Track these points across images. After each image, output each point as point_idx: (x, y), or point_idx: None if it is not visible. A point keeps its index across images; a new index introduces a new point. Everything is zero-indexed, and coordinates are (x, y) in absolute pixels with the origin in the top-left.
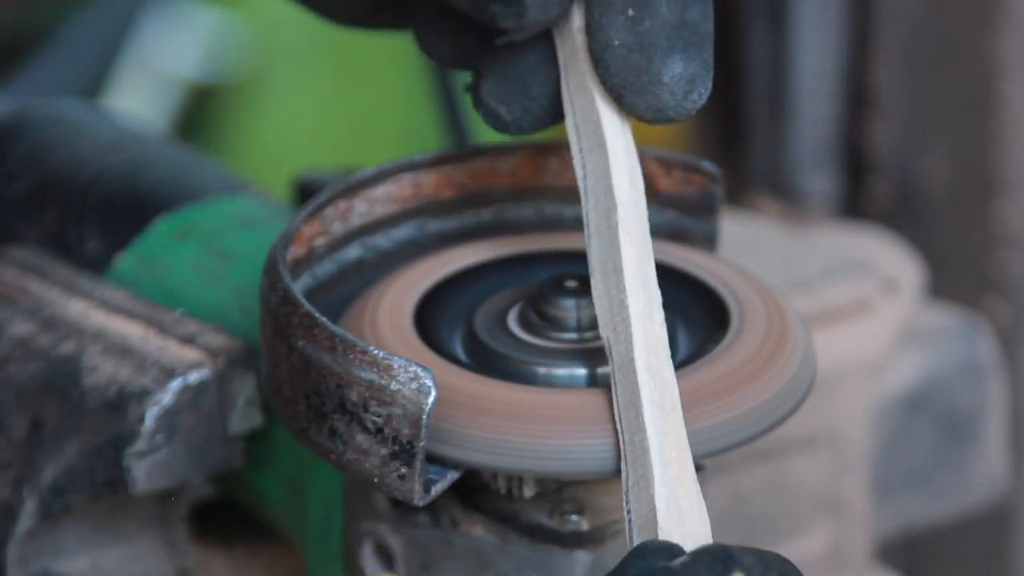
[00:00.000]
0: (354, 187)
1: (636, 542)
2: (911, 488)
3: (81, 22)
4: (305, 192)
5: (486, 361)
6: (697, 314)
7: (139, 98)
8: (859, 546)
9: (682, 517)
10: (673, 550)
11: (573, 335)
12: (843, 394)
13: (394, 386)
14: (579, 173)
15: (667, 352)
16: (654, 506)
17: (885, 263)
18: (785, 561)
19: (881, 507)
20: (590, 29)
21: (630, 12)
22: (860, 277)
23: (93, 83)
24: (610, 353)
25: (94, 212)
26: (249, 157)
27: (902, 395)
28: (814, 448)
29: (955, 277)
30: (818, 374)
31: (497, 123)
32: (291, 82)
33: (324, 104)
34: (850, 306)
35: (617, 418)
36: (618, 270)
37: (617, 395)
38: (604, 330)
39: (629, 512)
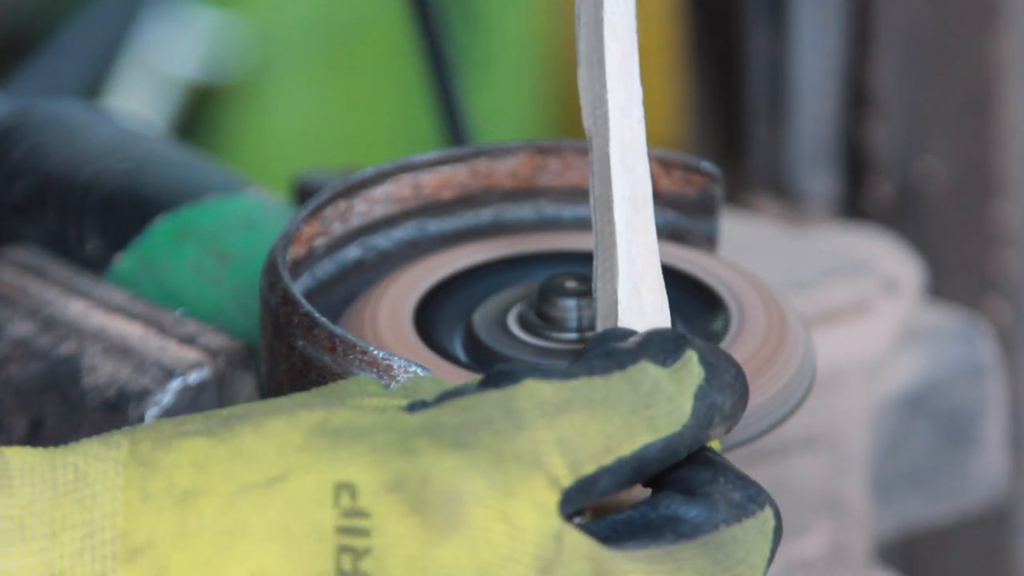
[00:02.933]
0: (354, 187)
1: (599, 329)
2: (911, 488)
3: (81, 22)
4: (305, 192)
5: (486, 361)
6: (697, 314)
7: (139, 98)
8: (859, 546)
9: (643, 311)
10: (628, 333)
11: (573, 335)
12: (843, 394)
13: (394, 386)
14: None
15: (643, 149)
16: (616, 298)
17: (885, 263)
18: (730, 357)
19: (881, 507)
20: None
21: None
22: (860, 277)
23: (93, 83)
24: (590, 145)
25: (94, 212)
26: (249, 157)
27: (902, 395)
28: (814, 448)
29: (955, 277)
30: (818, 374)
31: None
32: (291, 82)
33: (324, 104)
34: (850, 306)
35: (592, 209)
36: (601, 63)
37: (593, 187)
38: (586, 121)
39: (596, 302)
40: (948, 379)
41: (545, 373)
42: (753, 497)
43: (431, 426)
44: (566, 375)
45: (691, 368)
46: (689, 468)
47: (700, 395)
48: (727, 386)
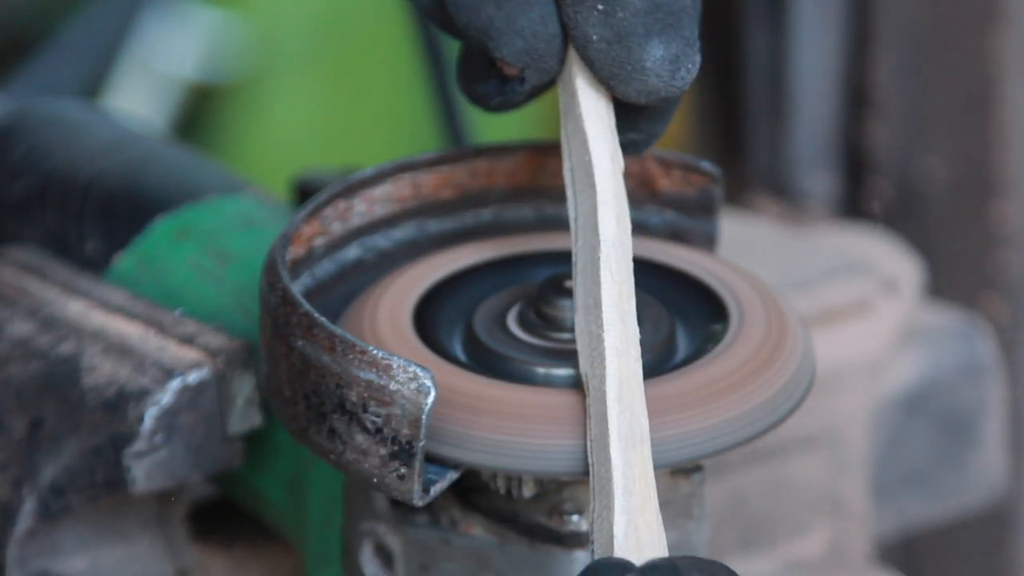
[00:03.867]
0: (353, 187)
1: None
2: (911, 488)
3: (81, 22)
4: (305, 192)
5: (486, 361)
6: (697, 314)
7: (139, 98)
8: (859, 546)
9: (640, 546)
10: (625, 566)
11: (572, 335)
12: (843, 394)
13: (393, 386)
14: (571, 215)
15: (640, 388)
16: (612, 533)
17: (885, 263)
18: (731, 572)
19: (881, 507)
20: (568, 28)
21: (600, 7)
22: (860, 277)
23: (93, 83)
24: (587, 387)
25: (94, 212)
26: (249, 157)
27: (902, 395)
28: (814, 448)
29: (955, 277)
30: (818, 374)
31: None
32: (291, 82)
33: (324, 104)
34: (850, 306)
35: (589, 452)
36: (597, 305)
37: (590, 428)
38: (583, 365)
39: (592, 543)
40: (948, 379)
41: None
42: None
43: None
44: None
45: None
46: None
47: None
48: None
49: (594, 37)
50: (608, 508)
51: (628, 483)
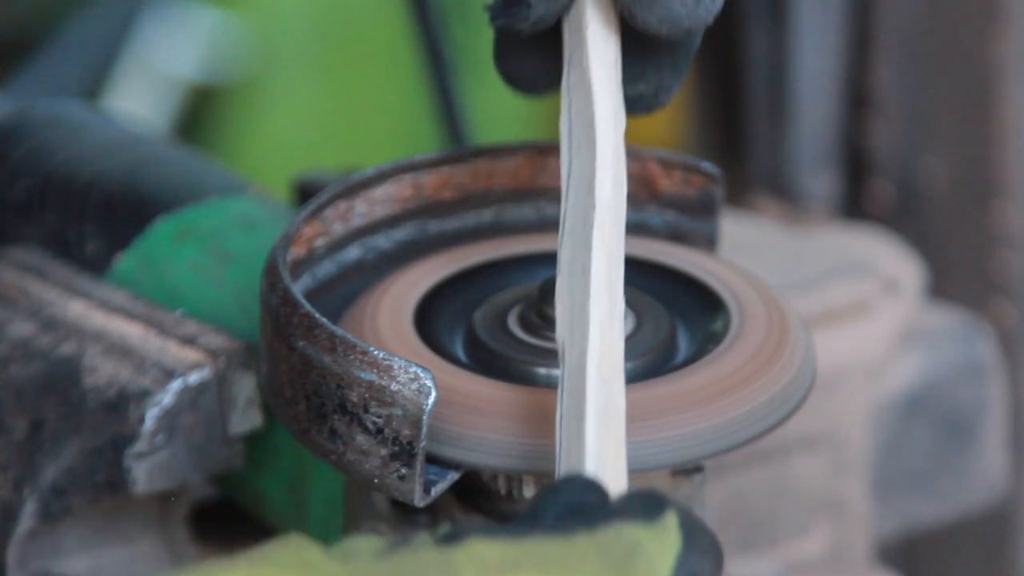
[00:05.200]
0: (354, 188)
1: None
2: (911, 489)
3: (81, 22)
4: (305, 193)
5: (486, 361)
6: (697, 315)
7: (139, 98)
8: (859, 546)
9: None
10: (594, 486)
11: None
12: (843, 394)
13: (394, 387)
14: (564, 171)
15: (621, 364)
16: None
17: (885, 264)
18: (704, 523)
19: (881, 508)
20: None
21: None
22: (860, 278)
23: (93, 83)
24: (562, 356)
25: (94, 213)
26: (249, 157)
27: (902, 396)
28: (814, 448)
29: (955, 277)
30: (818, 374)
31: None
32: (291, 82)
33: (324, 104)
34: (850, 306)
35: (558, 424)
36: (585, 272)
37: (562, 399)
38: (560, 332)
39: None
40: (948, 379)
41: (494, 532)
42: None
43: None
44: (519, 534)
45: (671, 532)
46: None
47: (680, 562)
48: (706, 553)
49: None
50: None
51: (600, 468)
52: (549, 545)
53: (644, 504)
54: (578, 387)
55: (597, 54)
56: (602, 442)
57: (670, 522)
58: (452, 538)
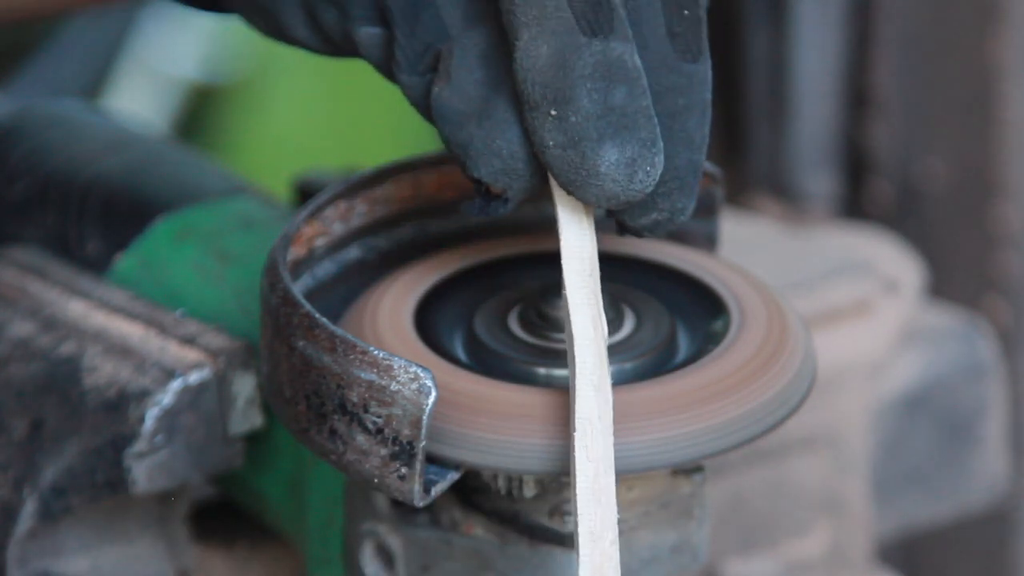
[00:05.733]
0: (354, 187)
1: None
2: (911, 488)
3: (81, 22)
4: (305, 192)
5: (486, 361)
6: (697, 314)
7: (139, 98)
8: (859, 546)
9: None
10: None
11: None
12: (843, 394)
13: (394, 387)
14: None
15: (616, 573)
16: None
17: (885, 263)
18: None
19: (881, 507)
20: (529, 135)
21: (553, 112)
22: (860, 277)
23: (93, 83)
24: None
25: (94, 213)
26: (249, 157)
27: (902, 395)
28: (814, 448)
29: (955, 277)
30: (818, 374)
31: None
32: (291, 82)
33: (324, 104)
34: (850, 306)
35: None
36: (574, 486)
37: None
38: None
39: None
40: (948, 379)
41: None
42: None
43: None
44: None
45: None
46: None
47: None
48: None
49: (550, 143)
50: None
51: None
52: None
53: None
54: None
55: (571, 261)
56: None
57: None
58: None
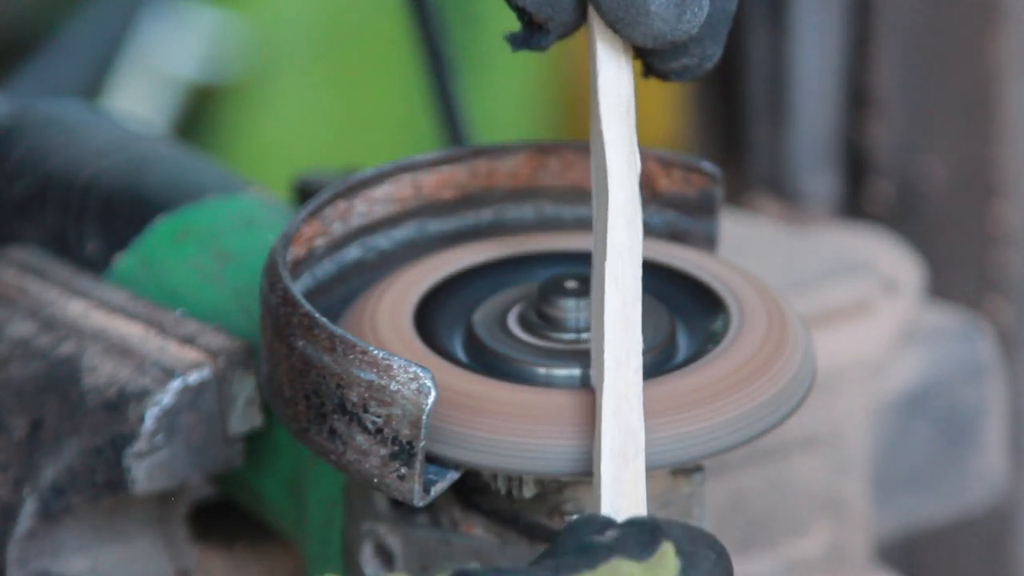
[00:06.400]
0: (354, 187)
1: None
2: (911, 488)
3: (81, 22)
4: (305, 192)
5: (486, 361)
6: (697, 314)
7: (139, 98)
8: (859, 546)
9: None
10: (606, 522)
11: (573, 335)
12: (843, 394)
13: (394, 386)
14: (593, 214)
15: (639, 400)
16: None
17: (885, 263)
18: (711, 537)
19: (881, 507)
20: None
21: None
22: (860, 277)
23: (93, 83)
24: (597, 396)
25: (94, 212)
26: (249, 157)
27: (902, 395)
28: (814, 448)
29: (955, 277)
30: (818, 374)
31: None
32: (291, 82)
33: (324, 104)
34: (850, 306)
35: (595, 460)
36: (601, 314)
37: (596, 433)
38: (594, 370)
39: None
40: (948, 379)
41: (505, 574)
42: None
43: None
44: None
45: (667, 561)
46: None
47: None
48: (707, 574)
49: None
50: None
51: (615, 501)
52: None
53: (639, 538)
54: (599, 427)
55: (608, 97)
56: (618, 482)
57: (665, 552)
58: None
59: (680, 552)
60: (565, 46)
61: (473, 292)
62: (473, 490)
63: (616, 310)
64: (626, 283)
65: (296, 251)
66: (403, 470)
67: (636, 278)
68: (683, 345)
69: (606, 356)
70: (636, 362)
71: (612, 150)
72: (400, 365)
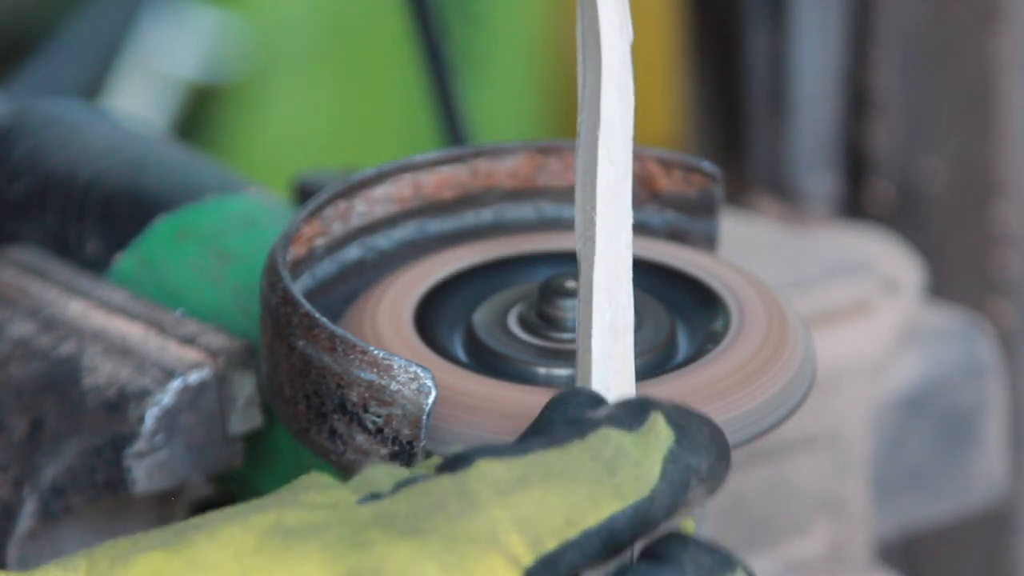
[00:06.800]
0: (354, 187)
1: None
2: (911, 488)
3: (81, 22)
4: (305, 192)
5: (486, 361)
6: (697, 314)
7: (139, 98)
8: (859, 546)
9: None
10: (595, 399)
11: (573, 335)
12: (843, 394)
13: (394, 386)
14: (580, 82)
15: (628, 275)
16: None
17: (885, 263)
18: (704, 415)
19: (881, 507)
20: None
21: None
22: (860, 277)
23: (93, 83)
24: (579, 268)
25: (94, 212)
26: (249, 157)
27: (902, 395)
28: (814, 448)
29: (955, 277)
30: (818, 374)
31: None
32: (291, 82)
33: (324, 104)
34: (850, 306)
35: (577, 335)
36: (592, 185)
37: (579, 310)
38: (577, 242)
39: None
40: (948, 379)
41: (498, 451)
42: (723, 561)
43: (383, 516)
44: (521, 451)
45: (658, 431)
46: (658, 540)
47: (671, 458)
48: (701, 447)
49: None
50: None
51: (606, 376)
52: (550, 458)
53: (630, 410)
54: (586, 299)
55: None
56: (608, 355)
57: (656, 423)
58: (460, 462)
59: (671, 423)
60: (565, 46)
61: (473, 292)
62: None
63: (608, 184)
64: (617, 155)
65: (296, 251)
66: None
67: (627, 150)
68: (683, 345)
69: (598, 230)
70: (627, 237)
71: (605, 8)
72: (400, 365)
